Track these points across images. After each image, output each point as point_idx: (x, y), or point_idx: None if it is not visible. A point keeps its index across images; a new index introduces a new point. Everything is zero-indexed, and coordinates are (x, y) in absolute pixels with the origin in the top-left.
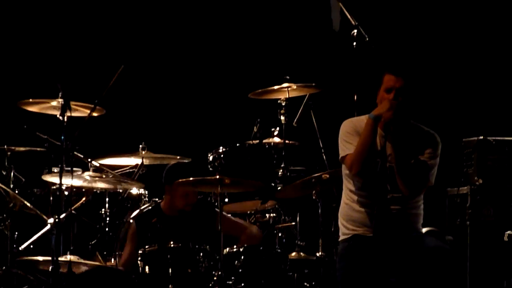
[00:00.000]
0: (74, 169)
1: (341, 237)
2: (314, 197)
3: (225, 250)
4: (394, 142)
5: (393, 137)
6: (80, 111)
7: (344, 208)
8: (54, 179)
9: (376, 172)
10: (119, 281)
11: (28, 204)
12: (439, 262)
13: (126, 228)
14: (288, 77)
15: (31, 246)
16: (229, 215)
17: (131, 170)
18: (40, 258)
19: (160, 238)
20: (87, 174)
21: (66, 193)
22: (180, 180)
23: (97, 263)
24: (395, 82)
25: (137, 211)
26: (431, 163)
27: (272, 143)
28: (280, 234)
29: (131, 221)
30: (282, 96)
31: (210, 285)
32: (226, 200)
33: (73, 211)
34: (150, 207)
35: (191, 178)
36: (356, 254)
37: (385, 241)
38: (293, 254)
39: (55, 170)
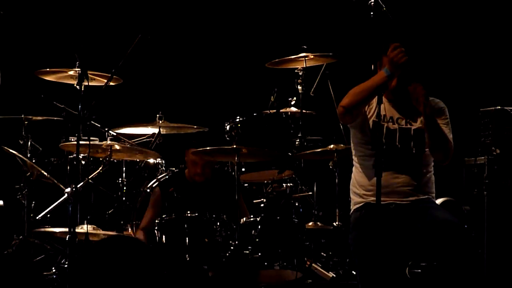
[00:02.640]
0: (91, 138)
1: (353, 207)
2: (331, 167)
3: (242, 220)
4: (424, 104)
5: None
6: (97, 81)
7: (355, 177)
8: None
9: (383, 136)
10: (135, 250)
11: (45, 173)
12: (447, 236)
13: (144, 196)
14: (305, 47)
15: (48, 216)
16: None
17: (148, 139)
18: (57, 230)
19: (178, 207)
20: (104, 143)
21: (83, 162)
22: (196, 150)
23: (113, 232)
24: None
25: (154, 180)
26: (449, 129)
27: (289, 113)
28: (297, 204)
29: (154, 186)
30: (299, 65)
31: (227, 254)
32: (243, 169)
33: (90, 181)
34: (173, 174)
35: (208, 148)
36: (368, 223)
37: (395, 207)
38: (310, 223)
39: (72, 140)
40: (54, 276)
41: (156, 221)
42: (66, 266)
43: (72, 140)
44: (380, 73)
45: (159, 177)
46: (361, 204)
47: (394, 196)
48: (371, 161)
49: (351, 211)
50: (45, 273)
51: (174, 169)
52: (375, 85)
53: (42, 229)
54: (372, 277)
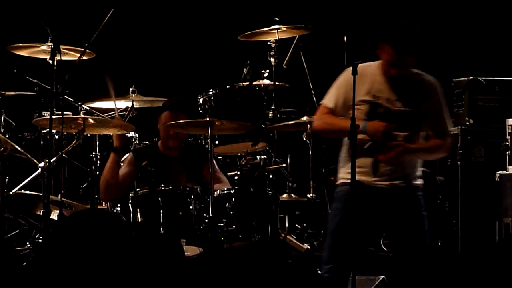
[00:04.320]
0: (64, 113)
1: (341, 180)
2: (304, 139)
3: (216, 192)
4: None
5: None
6: (70, 55)
7: (345, 152)
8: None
9: (377, 116)
10: (110, 223)
11: (19, 148)
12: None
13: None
14: (277, 19)
15: (22, 190)
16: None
17: (121, 113)
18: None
19: (152, 180)
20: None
21: (56, 136)
22: (170, 123)
23: (87, 206)
24: (396, 60)
25: (128, 154)
26: (446, 108)
27: (262, 85)
28: (271, 176)
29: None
30: (272, 37)
31: (201, 227)
32: (217, 142)
33: (63, 155)
34: (147, 147)
35: (181, 121)
36: (355, 201)
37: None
38: (284, 195)
39: (46, 114)
40: (28, 251)
41: (130, 194)
42: (40, 241)
43: (45, 115)
44: (357, 124)
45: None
46: (349, 180)
47: (382, 178)
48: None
49: (338, 183)
50: (19, 248)
51: (147, 142)
52: (343, 133)
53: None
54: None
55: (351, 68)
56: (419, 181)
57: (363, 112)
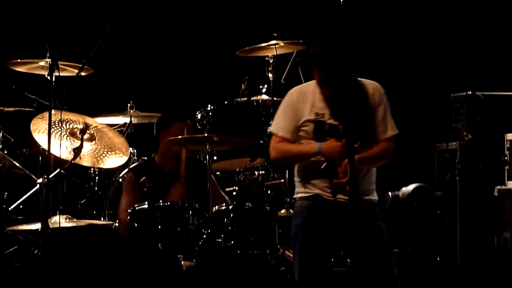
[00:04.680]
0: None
1: (299, 195)
2: None
3: (214, 208)
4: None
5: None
6: (68, 71)
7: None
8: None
9: (324, 133)
10: (108, 239)
11: (17, 164)
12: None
13: (116, 186)
14: (275, 34)
15: (21, 207)
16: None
17: (119, 129)
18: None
19: (151, 196)
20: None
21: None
22: (169, 138)
23: (87, 221)
24: (327, 79)
25: (126, 170)
26: (388, 113)
27: (260, 101)
28: (269, 191)
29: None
30: (270, 53)
31: (200, 243)
32: (215, 158)
33: (62, 171)
34: (145, 162)
35: (179, 137)
36: (317, 215)
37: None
38: (282, 211)
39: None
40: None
41: (129, 210)
42: (39, 256)
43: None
44: (312, 147)
45: (131, 166)
46: (310, 194)
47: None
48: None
49: (297, 197)
50: (17, 264)
51: (145, 158)
52: (305, 156)
53: (14, 228)
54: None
55: (291, 91)
56: (375, 196)
57: (310, 131)
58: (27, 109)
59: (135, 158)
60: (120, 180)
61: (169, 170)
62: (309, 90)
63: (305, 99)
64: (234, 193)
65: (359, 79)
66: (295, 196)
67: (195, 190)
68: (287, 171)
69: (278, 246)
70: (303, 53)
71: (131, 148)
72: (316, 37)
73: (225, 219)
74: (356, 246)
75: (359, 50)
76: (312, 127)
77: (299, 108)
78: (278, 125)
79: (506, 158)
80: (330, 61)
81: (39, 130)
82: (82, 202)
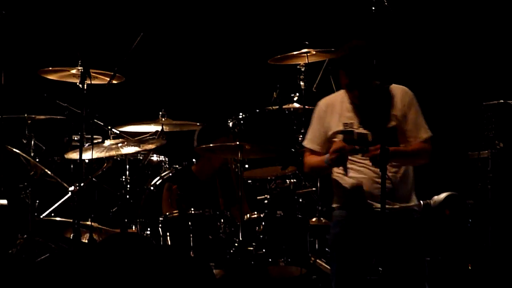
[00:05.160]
0: (94, 136)
1: (336, 204)
2: None
3: (245, 216)
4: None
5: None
6: (99, 79)
7: (338, 174)
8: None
9: (354, 143)
10: (140, 247)
11: (49, 172)
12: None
13: (148, 194)
14: (307, 43)
15: (52, 214)
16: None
17: (151, 137)
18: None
19: (182, 204)
20: (107, 142)
21: (86, 160)
22: (200, 146)
23: (117, 230)
24: (354, 83)
25: (158, 177)
26: (419, 116)
27: (291, 109)
28: (300, 200)
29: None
30: (302, 61)
31: (231, 251)
32: (246, 166)
33: (93, 179)
34: (180, 170)
35: (211, 144)
36: (353, 224)
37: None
38: (314, 219)
39: (75, 138)
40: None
41: (160, 218)
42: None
43: (75, 138)
44: (321, 159)
45: (162, 174)
46: (346, 203)
47: (375, 201)
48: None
49: (334, 206)
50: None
51: (177, 166)
52: (320, 169)
53: (47, 218)
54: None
55: (319, 103)
56: (414, 201)
57: None
58: (58, 117)
59: (167, 166)
60: (151, 188)
61: (206, 179)
62: (337, 100)
63: (332, 110)
64: (266, 201)
65: (388, 84)
66: (333, 205)
67: (227, 198)
68: (318, 180)
69: (310, 255)
70: (335, 61)
71: (162, 157)
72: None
73: (257, 228)
74: (389, 255)
75: (385, 54)
76: (342, 138)
77: (326, 120)
78: (307, 138)
79: None
80: (356, 64)
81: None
82: (113, 210)
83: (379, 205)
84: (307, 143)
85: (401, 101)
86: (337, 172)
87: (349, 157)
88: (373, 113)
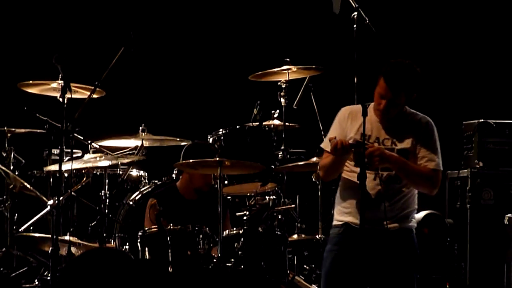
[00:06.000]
0: (74, 151)
1: (334, 222)
2: (314, 179)
3: (224, 232)
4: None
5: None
6: (80, 93)
7: (339, 191)
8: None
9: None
10: (119, 262)
11: (28, 186)
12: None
13: (127, 209)
14: (288, 59)
15: (31, 228)
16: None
17: (131, 152)
18: (38, 235)
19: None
20: (87, 157)
21: (65, 174)
22: (180, 162)
23: (96, 244)
24: (386, 92)
25: (137, 192)
26: (435, 149)
27: (272, 125)
28: (280, 216)
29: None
30: (282, 78)
31: (210, 267)
32: (226, 182)
33: (72, 193)
34: (164, 187)
35: (190, 160)
36: (345, 243)
37: (371, 234)
38: (293, 236)
39: (55, 152)
40: None
41: (139, 233)
42: (49, 278)
43: (55, 152)
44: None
45: (142, 189)
46: (341, 222)
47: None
48: (353, 177)
49: (333, 224)
50: (27, 285)
51: (157, 181)
52: (333, 163)
53: (25, 234)
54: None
55: (343, 109)
56: (410, 222)
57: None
58: (38, 131)
59: (146, 181)
60: (131, 203)
61: (191, 198)
62: (360, 111)
63: (354, 118)
64: (245, 217)
65: (412, 110)
66: (333, 221)
67: (206, 214)
68: (297, 196)
69: (288, 271)
70: (315, 79)
71: (142, 171)
72: (328, 62)
73: (236, 244)
74: (379, 274)
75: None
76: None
77: (347, 125)
78: (326, 141)
79: None
80: (401, 77)
81: None
82: (92, 224)
83: (376, 224)
84: (326, 146)
85: (423, 129)
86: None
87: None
88: (391, 130)
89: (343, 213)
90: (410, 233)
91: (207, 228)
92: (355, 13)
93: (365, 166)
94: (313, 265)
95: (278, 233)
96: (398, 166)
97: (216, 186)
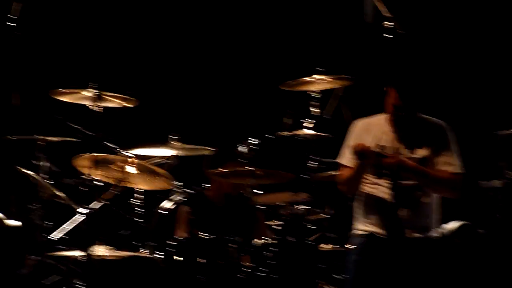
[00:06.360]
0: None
1: (356, 231)
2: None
3: (256, 242)
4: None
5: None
6: (112, 102)
7: (359, 201)
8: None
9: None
10: (150, 270)
11: (59, 194)
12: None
13: (158, 217)
14: (320, 69)
15: (63, 236)
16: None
17: (163, 161)
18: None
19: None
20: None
21: (97, 183)
22: (212, 171)
23: (128, 253)
24: (398, 102)
25: (168, 201)
26: (454, 152)
27: (303, 135)
28: (311, 226)
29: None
30: (314, 87)
31: (241, 276)
32: (257, 191)
33: (104, 201)
34: (193, 195)
35: (223, 170)
36: (370, 253)
37: (396, 244)
38: (324, 246)
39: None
40: None
41: (170, 242)
42: (80, 287)
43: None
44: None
45: (172, 197)
46: (364, 232)
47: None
48: (375, 189)
49: (353, 233)
50: None
51: (186, 189)
52: (354, 177)
53: (56, 253)
54: None
55: (356, 122)
56: (432, 232)
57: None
58: (70, 139)
59: (177, 189)
60: (162, 211)
61: (221, 205)
62: (374, 122)
63: (368, 130)
64: (276, 227)
65: (425, 116)
66: (352, 232)
67: (237, 221)
68: (329, 206)
69: (317, 281)
70: (347, 88)
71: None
72: (360, 72)
73: (267, 253)
74: (403, 283)
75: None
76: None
77: (362, 138)
78: (341, 155)
79: None
80: (412, 86)
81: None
82: (123, 233)
83: (399, 233)
84: (341, 160)
85: (437, 133)
86: (368, 185)
87: (369, 181)
88: (406, 139)
89: (366, 223)
90: (433, 242)
91: (238, 238)
92: (387, 22)
93: (390, 176)
94: (342, 275)
95: (309, 242)
96: (418, 175)
97: (244, 193)
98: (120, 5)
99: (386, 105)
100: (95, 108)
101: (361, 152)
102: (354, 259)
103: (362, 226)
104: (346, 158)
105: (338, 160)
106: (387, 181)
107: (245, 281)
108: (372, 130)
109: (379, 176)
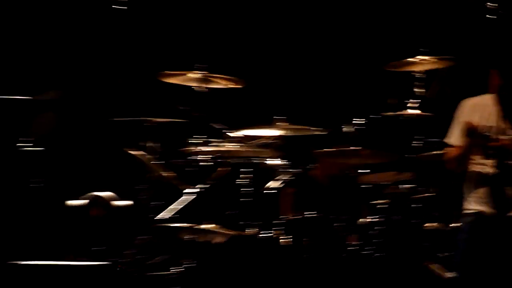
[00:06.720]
0: (213, 140)
1: (467, 211)
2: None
3: (361, 221)
4: None
5: None
6: (219, 83)
7: (469, 179)
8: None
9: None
10: (256, 250)
11: (168, 174)
12: None
13: (263, 198)
14: (424, 49)
15: (170, 216)
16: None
17: (270, 141)
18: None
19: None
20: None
21: (204, 163)
22: (319, 151)
23: (235, 232)
24: (502, 82)
25: (273, 181)
26: None
27: (408, 115)
28: (416, 205)
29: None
30: (418, 68)
31: (346, 255)
32: (362, 171)
33: (211, 182)
34: (299, 175)
35: (329, 149)
36: (479, 231)
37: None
38: (429, 224)
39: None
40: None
41: (276, 221)
42: (186, 267)
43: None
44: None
45: (278, 178)
46: (474, 211)
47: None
48: (482, 169)
49: (464, 213)
50: (164, 273)
51: (292, 169)
52: (462, 156)
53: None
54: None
55: (463, 102)
56: None
57: None
58: (178, 120)
59: (283, 170)
60: (268, 191)
61: (325, 185)
62: (481, 102)
63: (475, 110)
64: (381, 206)
65: None
66: (462, 211)
67: (343, 203)
68: (434, 185)
69: (423, 259)
70: (451, 69)
71: (278, 160)
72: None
73: (372, 232)
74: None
75: None
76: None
77: (470, 117)
78: (450, 134)
79: None
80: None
81: None
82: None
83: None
84: (449, 139)
85: None
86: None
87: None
88: None
89: (475, 202)
90: None
91: (344, 216)
92: (490, 3)
93: (497, 156)
94: (447, 254)
95: (414, 221)
96: None
97: (350, 174)
98: None
99: (490, 85)
100: (202, 90)
101: (470, 130)
102: (464, 238)
103: (471, 205)
104: (455, 136)
105: (446, 140)
106: (494, 161)
107: (350, 260)
108: (478, 110)
109: (487, 157)
